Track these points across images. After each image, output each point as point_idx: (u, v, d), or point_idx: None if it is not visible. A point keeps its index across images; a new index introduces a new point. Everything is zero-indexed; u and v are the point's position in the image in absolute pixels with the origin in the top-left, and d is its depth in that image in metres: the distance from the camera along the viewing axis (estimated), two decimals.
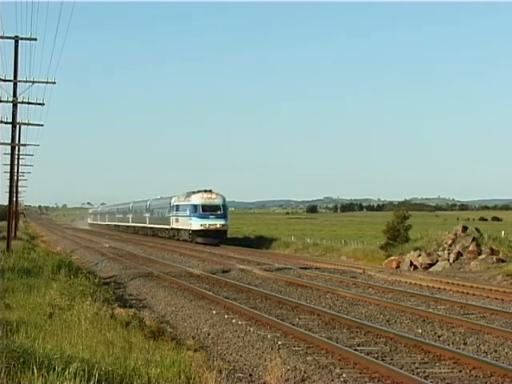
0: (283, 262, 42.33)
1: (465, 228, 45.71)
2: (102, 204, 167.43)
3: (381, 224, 65.99)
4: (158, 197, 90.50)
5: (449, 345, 16.62)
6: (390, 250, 49.77)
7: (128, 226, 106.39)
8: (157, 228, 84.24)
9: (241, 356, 15.52)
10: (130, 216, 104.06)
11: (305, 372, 13.69)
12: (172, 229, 74.62)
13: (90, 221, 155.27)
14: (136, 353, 13.20)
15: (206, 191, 67.38)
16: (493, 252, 41.89)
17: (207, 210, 65.43)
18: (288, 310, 22.00)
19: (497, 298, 25.72)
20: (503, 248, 42.33)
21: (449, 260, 43.17)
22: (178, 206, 71.76)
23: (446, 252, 43.67)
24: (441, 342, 16.89)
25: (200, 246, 60.91)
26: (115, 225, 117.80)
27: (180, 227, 71.12)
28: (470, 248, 42.89)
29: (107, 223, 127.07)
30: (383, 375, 13.32)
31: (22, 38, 38.03)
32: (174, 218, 73.14)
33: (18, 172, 67.44)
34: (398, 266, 43.71)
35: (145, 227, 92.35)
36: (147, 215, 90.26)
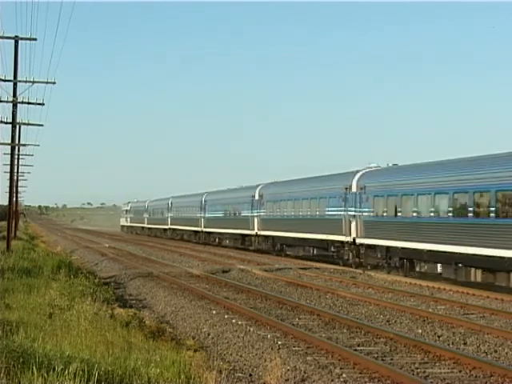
0: (283, 262, 42.31)
1: None
2: (102, 204, 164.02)
3: None
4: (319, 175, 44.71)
5: (449, 345, 16.62)
6: None
7: (235, 236, 57.44)
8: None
9: (241, 356, 15.51)
10: (253, 216, 52.95)
11: (305, 372, 13.68)
12: None
13: (124, 222, 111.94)
14: (136, 353, 13.19)
15: None
16: None
17: None
18: (288, 310, 21.99)
19: (497, 298, 25.70)
20: None
21: None
22: None
23: None
24: (441, 342, 16.89)
25: (199, 246, 60.28)
26: (195, 231, 69.25)
27: None
28: None
29: (169, 227, 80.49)
30: (383, 375, 13.31)
31: (22, 38, 38.09)
32: None
33: (18, 172, 67.54)
34: None
35: (307, 241, 43.14)
36: (309, 213, 43.10)
